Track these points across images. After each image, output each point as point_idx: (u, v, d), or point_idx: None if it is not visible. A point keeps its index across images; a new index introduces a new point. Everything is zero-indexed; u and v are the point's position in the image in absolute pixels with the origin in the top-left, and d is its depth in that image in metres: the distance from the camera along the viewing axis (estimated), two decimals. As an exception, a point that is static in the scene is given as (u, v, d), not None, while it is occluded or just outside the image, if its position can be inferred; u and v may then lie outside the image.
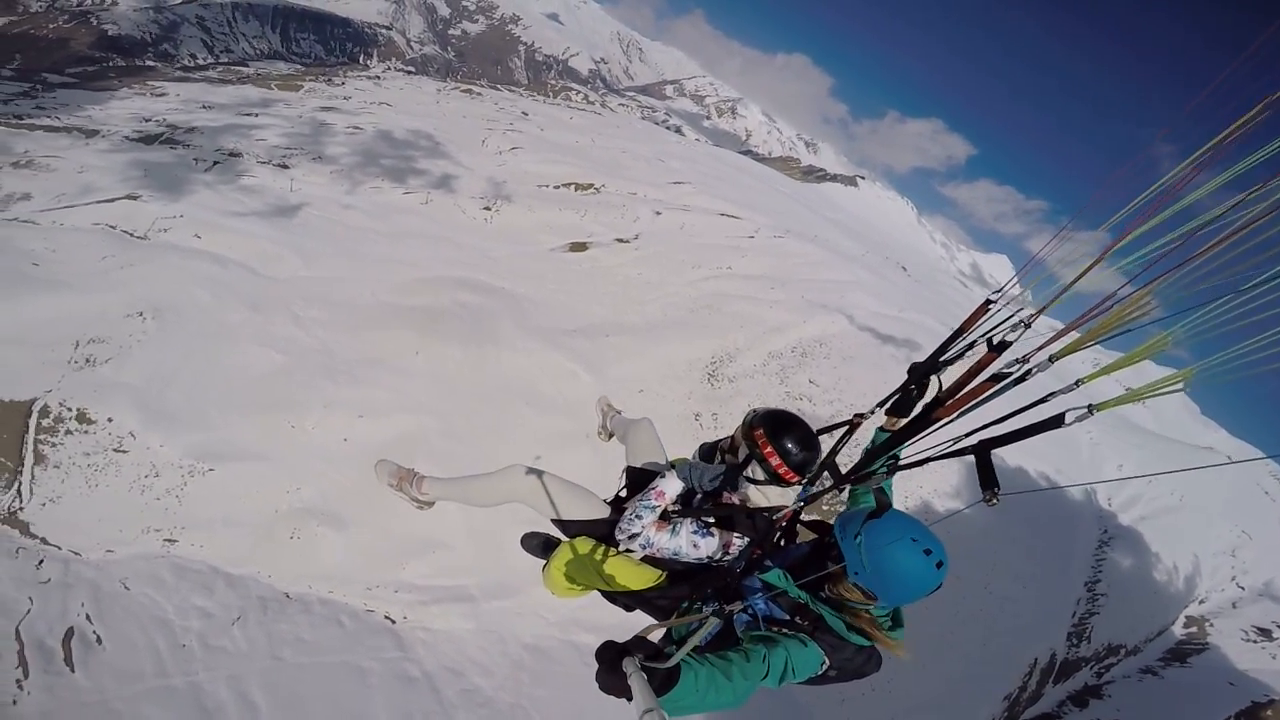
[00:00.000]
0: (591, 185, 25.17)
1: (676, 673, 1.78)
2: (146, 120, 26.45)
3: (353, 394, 12.48)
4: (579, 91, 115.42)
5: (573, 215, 22.22)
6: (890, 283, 23.96)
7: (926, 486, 15.11)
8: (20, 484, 10.91)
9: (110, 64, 64.17)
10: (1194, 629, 18.54)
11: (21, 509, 10.86)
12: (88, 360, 11.99)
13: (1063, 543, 16.46)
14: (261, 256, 15.65)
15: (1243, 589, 19.35)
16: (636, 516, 2.73)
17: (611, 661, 1.74)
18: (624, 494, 3.26)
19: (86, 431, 11.22)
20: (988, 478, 1.95)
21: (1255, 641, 17.80)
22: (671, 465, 3.19)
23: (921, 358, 2.51)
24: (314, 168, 22.39)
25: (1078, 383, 1.90)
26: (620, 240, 21.14)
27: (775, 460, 2.73)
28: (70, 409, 11.35)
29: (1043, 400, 1.94)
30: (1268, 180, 1.54)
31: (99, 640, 10.14)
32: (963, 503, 14.88)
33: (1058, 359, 1.93)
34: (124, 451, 11.10)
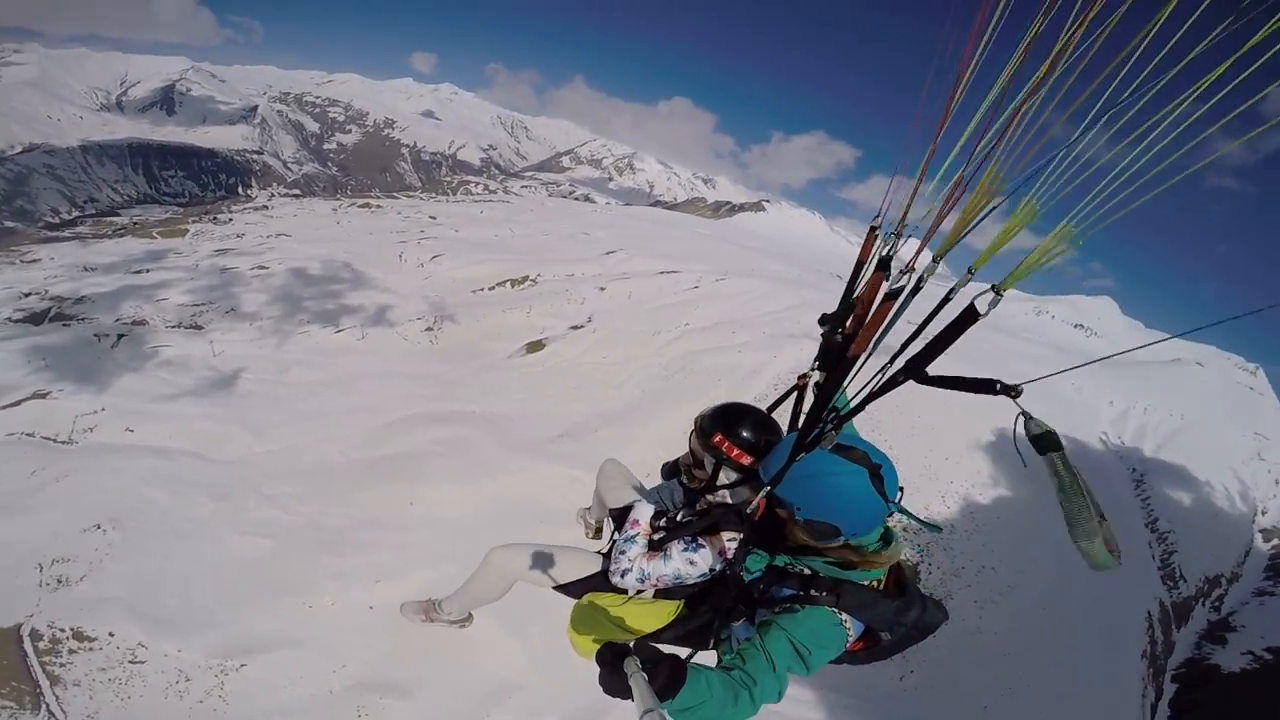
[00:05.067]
0: (527, 277, 24.96)
1: (680, 676, 1.71)
2: (27, 295, 23.69)
3: (359, 561, 11.43)
4: (477, 183, 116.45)
5: (519, 314, 21.82)
6: (834, 295, 24.89)
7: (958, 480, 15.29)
8: (47, 703, 9.34)
9: (-39, 231, 58.51)
10: (1276, 540, 18.83)
11: (63, 727, 9.14)
12: (60, 580, 10.57)
13: (1105, 492, 16.29)
14: (206, 440, 14.24)
15: (1291, 487, 19.67)
16: (621, 553, 2.63)
17: (613, 663, 1.72)
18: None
19: (91, 648, 9.78)
20: (981, 384, 1.76)
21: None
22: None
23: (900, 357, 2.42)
24: (232, 324, 20.96)
25: (970, 270, 1.84)
26: (575, 327, 20.91)
27: (745, 459, 2.62)
28: (63, 629, 9.94)
29: (946, 300, 1.85)
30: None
31: None
32: (1005, 488, 14.95)
33: (941, 257, 1.85)
34: (141, 662, 9.73)
